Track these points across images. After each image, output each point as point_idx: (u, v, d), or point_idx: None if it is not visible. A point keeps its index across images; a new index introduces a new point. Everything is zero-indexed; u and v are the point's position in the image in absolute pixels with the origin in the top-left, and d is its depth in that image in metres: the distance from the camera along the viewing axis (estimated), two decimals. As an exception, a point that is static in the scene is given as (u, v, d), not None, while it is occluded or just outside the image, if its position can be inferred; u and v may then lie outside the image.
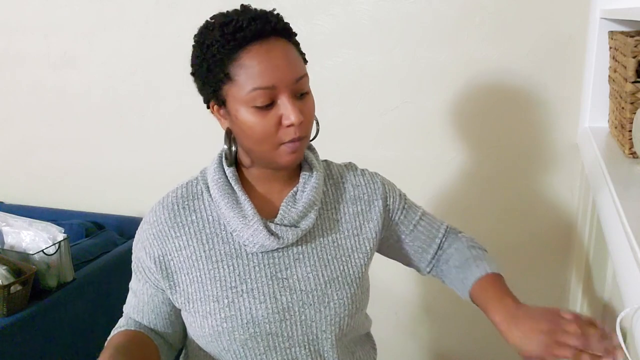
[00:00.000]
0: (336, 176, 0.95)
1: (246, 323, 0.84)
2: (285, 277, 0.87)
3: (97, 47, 1.90)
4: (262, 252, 0.87)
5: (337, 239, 0.91)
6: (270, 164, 0.85)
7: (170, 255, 0.87)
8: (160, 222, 0.88)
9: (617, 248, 0.76)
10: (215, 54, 0.78)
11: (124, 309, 0.96)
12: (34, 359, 1.45)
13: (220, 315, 0.84)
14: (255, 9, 0.82)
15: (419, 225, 0.99)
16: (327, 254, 0.89)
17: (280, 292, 0.86)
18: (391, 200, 0.97)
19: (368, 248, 0.93)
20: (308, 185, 0.89)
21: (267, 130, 0.79)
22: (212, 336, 0.85)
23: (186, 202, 0.89)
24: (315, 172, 0.90)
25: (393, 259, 1.04)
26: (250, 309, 0.84)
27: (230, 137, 0.86)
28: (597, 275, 1.09)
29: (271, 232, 0.84)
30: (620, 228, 0.78)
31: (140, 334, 0.90)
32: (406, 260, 1.03)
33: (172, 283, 0.88)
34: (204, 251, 0.87)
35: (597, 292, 1.06)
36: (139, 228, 0.92)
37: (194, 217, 0.88)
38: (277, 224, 0.85)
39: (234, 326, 0.84)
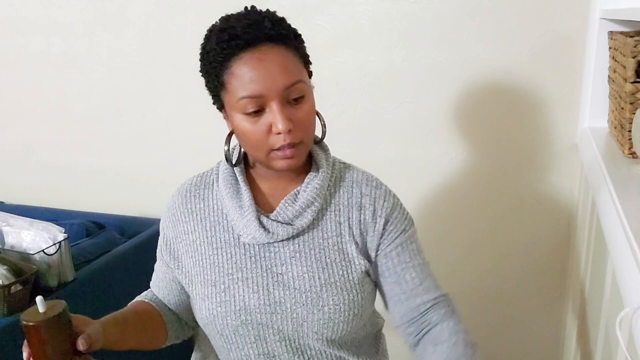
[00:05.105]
0: (349, 181, 0.93)
1: (238, 310, 0.86)
2: (280, 272, 0.88)
3: (97, 47, 1.90)
4: (259, 245, 0.88)
5: (339, 242, 0.90)
6: (269, 168, 0.86)
7: (179, 238, 0.94)
8: (175, 207, 0.95)
9: (617, 248, 0.77)
10: (212, 62, 0.80)
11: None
12: (35, 359, 1.45)
13: (216, 299, 0.88)
14: (259, 12, 0.81)
15: (407, 273, 0.90)
16: (326, 257, 0.89)
17: (273, 286, 0.87)
18: (392, 227, 0.91)
19: (373, 256, 0.92)
20: (310, 185, 0.89)
21: (258, 136, 0.80)
22: (208, 319, 0.89)
23: (197, 191, 0.94)
24: (321, 173, 0.89)
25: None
26: (243, 296, 0.87)
27: (229, 139, 0.89)
28: (597, 275, 1.09)
29: (262, 226, 0.86)
30: (620, 228, 0.78)
31: (149, 307, 0.96)
32: (384, 302, 0.96)
33: (179, 264, 0.94)
34: (207, 237, 0.91)
35: (597, 292, 1.06)
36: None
37: (202, 205, 0.93)
38: (272, 219, 0.87)
39: (227, 311, 0.87)
